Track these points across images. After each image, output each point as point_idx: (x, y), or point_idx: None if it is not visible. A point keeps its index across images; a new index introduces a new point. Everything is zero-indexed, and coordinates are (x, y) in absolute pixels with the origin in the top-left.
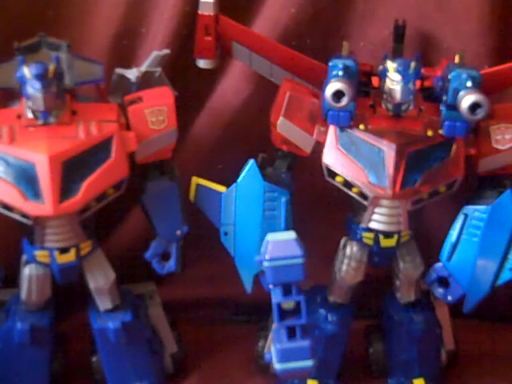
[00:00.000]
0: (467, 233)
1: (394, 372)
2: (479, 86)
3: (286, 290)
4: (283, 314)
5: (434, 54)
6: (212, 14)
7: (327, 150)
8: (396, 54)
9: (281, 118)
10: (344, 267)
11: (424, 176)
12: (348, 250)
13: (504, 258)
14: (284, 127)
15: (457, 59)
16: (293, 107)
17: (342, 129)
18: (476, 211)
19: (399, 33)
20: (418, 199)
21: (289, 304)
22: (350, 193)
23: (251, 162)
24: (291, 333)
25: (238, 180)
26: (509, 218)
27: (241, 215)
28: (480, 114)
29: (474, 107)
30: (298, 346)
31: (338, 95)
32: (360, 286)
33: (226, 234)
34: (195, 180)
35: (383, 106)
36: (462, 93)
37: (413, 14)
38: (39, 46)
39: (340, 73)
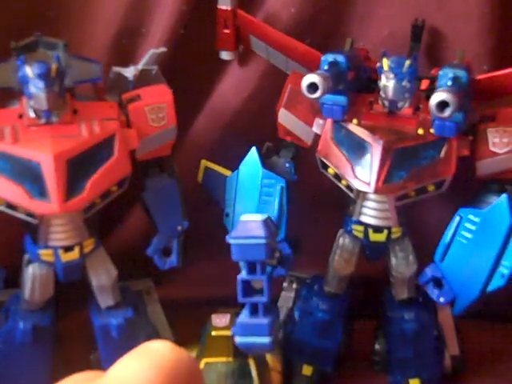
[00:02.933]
0: (460, 235)
1: (392, 370)
2: (462, 85)
3: (252, 269)
4: (249, 291)
5: (434, 54)
6: (229, 8)
7: (322, 142)
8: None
9: (282, 109)
10: (336, 257)
11: (411, 173)
12: (341, 241)
13: (496, 265)
14: (285, 118)
15: (458, 59)
16: (293, 99)
17: (336, 122)
18: (470, 214)
19: (417, 32)
20: (403, 195)
21: (257, 283)
22: (340, 185)
23: (253, 149)
24: (254, 310)
25: (240, 165)
26: (502, 224)
27: (240, 199)
28: (447, 112)
29: (442, 105)
30: (257, 323)
31: (313, 87)
32: (361, 284)
33: (227, 215)
34: (204, 163)
35: (380, 102)
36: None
37: (413, 14)
38: (36, 46)
39: (326, 67)
